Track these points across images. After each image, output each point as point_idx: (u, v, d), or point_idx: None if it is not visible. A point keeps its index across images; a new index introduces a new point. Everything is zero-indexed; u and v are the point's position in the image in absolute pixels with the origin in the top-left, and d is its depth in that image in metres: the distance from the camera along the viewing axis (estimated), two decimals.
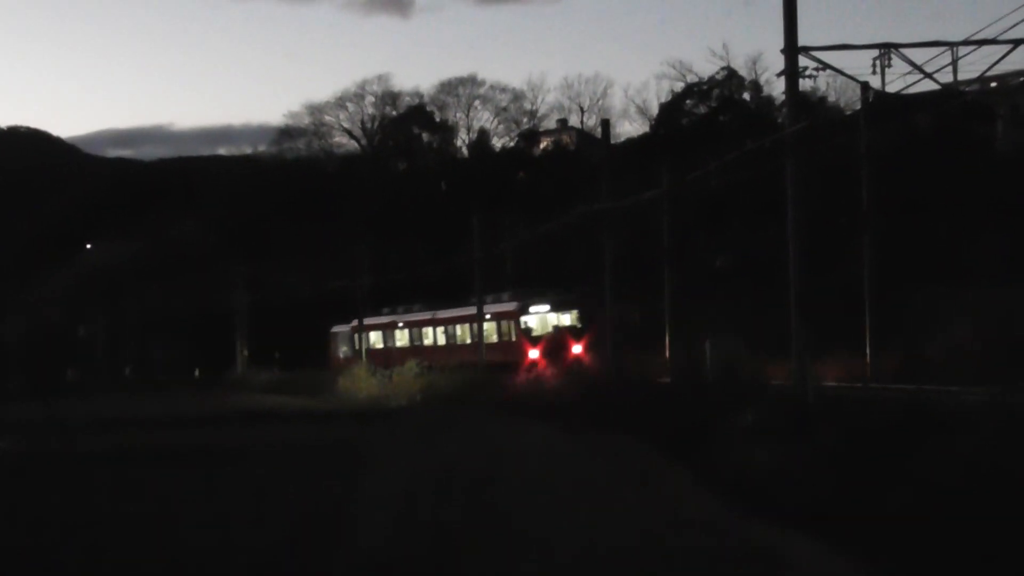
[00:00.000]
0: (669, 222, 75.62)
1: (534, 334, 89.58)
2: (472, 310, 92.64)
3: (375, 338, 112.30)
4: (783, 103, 52.20)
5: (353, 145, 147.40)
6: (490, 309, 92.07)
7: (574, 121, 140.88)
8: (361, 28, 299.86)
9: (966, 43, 44.39)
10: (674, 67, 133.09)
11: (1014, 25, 42.16)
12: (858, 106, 58.65)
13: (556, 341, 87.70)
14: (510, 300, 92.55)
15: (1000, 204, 69.61)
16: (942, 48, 45.33)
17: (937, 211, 67.80)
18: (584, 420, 51.84)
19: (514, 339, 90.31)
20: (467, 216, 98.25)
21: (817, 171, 52.80)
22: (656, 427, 43.10)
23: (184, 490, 35.05)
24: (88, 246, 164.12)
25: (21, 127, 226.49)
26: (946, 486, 21.33)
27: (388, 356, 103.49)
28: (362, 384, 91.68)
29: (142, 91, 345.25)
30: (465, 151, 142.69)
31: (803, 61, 45.60)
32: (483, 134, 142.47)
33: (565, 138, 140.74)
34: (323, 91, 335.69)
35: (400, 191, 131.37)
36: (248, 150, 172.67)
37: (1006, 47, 44.10)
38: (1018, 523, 19.00)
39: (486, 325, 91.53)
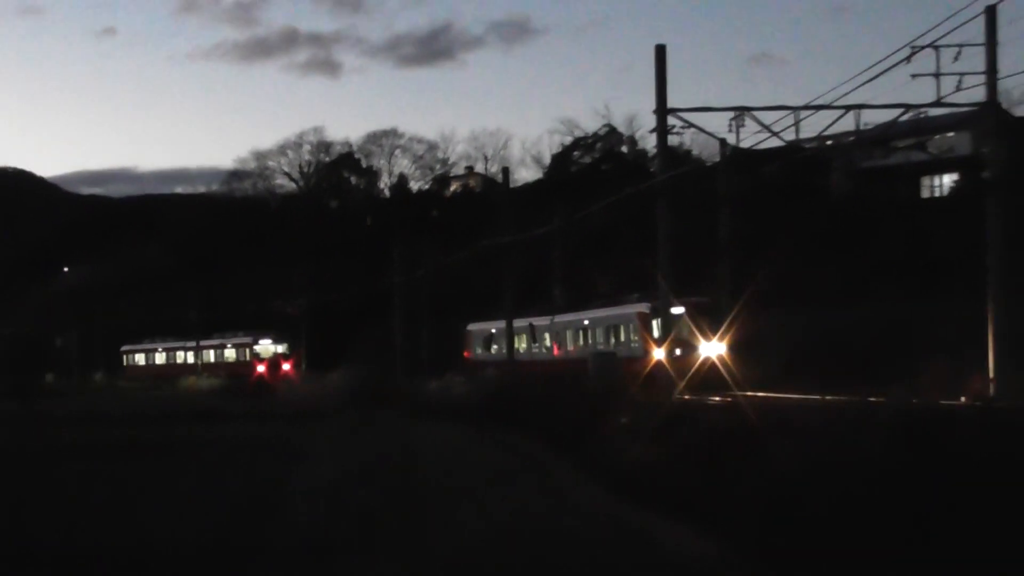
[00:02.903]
0: (560, 253, 76.01)
1: (261, 356, 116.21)
2: (218, 341, 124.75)
3: (140, 358, 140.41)
4: (655, 155, 52.62)
5: (292, 186, 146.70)
6: (235, 340, 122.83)
7: (479, 168, 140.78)
8: (298, 87, 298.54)
9: (806, 108, 44.96)
10: (563, 124, 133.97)
11: (846, 94, 42.91)
12: (718, 158, 58.93)
13: (274, 361, 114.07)
14: (246, 336, 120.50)
15: (833, 240, 70.30)
16: (787, 111, 45.90)
17: (783, 246, 68.29)
18: (486, 420, 51.88)
19: (248, 359, 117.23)
20: (389, 248, 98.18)
21: (683, 212, 53.24)
22: (549, 426, 43.16)
23: (145, 477, 34.91)
24: (65, 269, 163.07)
25: (9, 168, 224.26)
26: (784, 476, 21.59)
27: (156, 371, 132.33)
28: (298, 388, 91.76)
29: (112, 137, 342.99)
30: (387, 192, 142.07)
31: (671, 120, 46.14)
32: (402, 178, 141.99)
33: (472, 182, 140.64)
34: (267, 140, 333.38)
35: (332, 226, 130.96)
36: (202, 189, 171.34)
37: (839, 112, 44.75)
38: (837, 505, 19.29)
39: (231, 351, 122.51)
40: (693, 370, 52.88)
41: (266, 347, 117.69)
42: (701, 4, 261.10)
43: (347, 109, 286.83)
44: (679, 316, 58.51)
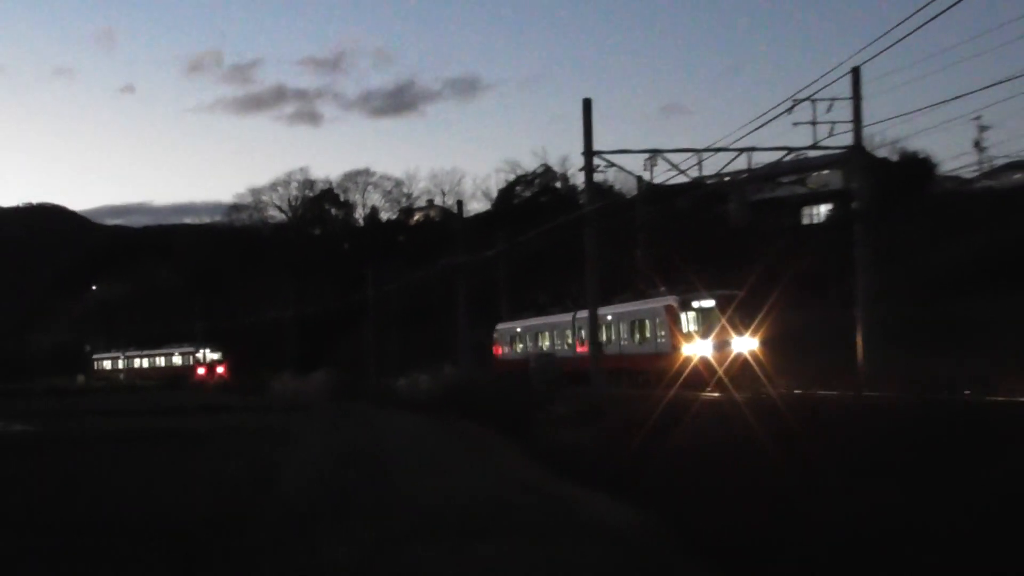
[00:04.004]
0: (504, 272, 75.88)
1: (200, 361, 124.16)
2: (171, 350, 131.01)
3: (107, 364, 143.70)
4: (584, 189, 52.69)
5: (282, 217, 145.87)
6: (181, 349, 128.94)
7: (438, 201, 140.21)
8: (287, 134, 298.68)
9: (707, 150, 45.18)
10: (508, 163, 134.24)
11: (740, 138, 43.27)
12: (635, 192, 59.15)
13: (211, 365, 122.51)
14: (190, 345, 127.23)
15: (731, 261, 70.25)
16: (692, 153, 46.13)
17: (690, 267, 68.28)
18: (443, 410, 51.78)
19: (191, 364, 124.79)
20: (363, 267, 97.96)
21: (607, 236, 53.32)
22: (496, 415, 43.12)
23: (160, 458, 34.72)
24: (93, 287, 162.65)
25: (47, 203, 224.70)
26: (683, 455, 21.72)
27: (123, 372, 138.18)
28: (288, 386, 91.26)
29: (132, 176, 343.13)
30: (361, 221, 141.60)
31: (597, 160, 46.27)
32: (374, 210, 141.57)
33: (432, 213, 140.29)
34: (260, 178, 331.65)
35: (315, 250, 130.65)
36: (207, 219, 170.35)
37: (735, 153, 45.01)
38: (721, 476, 19.39)
39: (178, 358, 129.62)
40: (725, 366, 44.30)
41: (205, 355, 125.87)
42: (621, 64, 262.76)
43: (327, 152, 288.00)
44: (710, 309, 48.87)
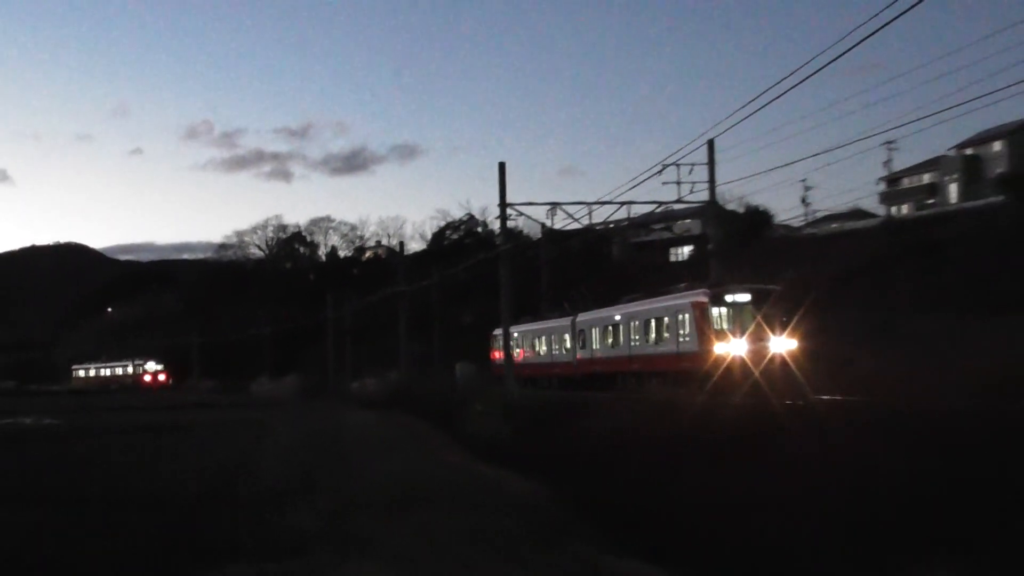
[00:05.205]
0: (437, 298, 75.69)
1: (149, 371, 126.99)
2: (127, 362, 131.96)
3: (81, 373, 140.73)
4: (499, 233, 52.72)
5: (261, 254, 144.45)
6: (135, 362, 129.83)
7: (385, 241, 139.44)
8: (264, 188, 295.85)
9: (596, 203, 45.25)
10: (440, 212, 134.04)
11: (621, 193, 43.49)
12: (540, 236, 59.32)
13: (155, 375, 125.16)
14: (140, 359, 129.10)
15: (592, 289, 69.99)
16: (584, 205, 46.23)
17: (582, 291, 68.42)
18: (388, 407, 51.53)
19: (140, 373, 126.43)
20: (324, 294, 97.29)
21: (517, 270, 53.37)
22: (429, 411, 43.01)
23: (161, 444, 34.20)
24: (108, 310, 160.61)
25: (72, 242, 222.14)
26: (581, 443, 21.74)
27: (91, 381, 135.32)
28: (265, 388, 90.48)
29: (141, 220, 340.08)
30: (324, 258, 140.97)
31: (510, 210, 46.16)
32: (334, 249, 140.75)
33: (379, 251, 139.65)
34: (244, 223, 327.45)
35: (287, 281, 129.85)
36: (202, 256, 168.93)
37: (617, 206, 45.16)
38: (609, 464, 19.40)
39: (130, 368, 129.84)
40: (762, 367, 32.39)
41: (151, 366, 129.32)
42: (529, 135, 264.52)
43: (297, 203, 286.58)
44: (744, 304, 35.30)
